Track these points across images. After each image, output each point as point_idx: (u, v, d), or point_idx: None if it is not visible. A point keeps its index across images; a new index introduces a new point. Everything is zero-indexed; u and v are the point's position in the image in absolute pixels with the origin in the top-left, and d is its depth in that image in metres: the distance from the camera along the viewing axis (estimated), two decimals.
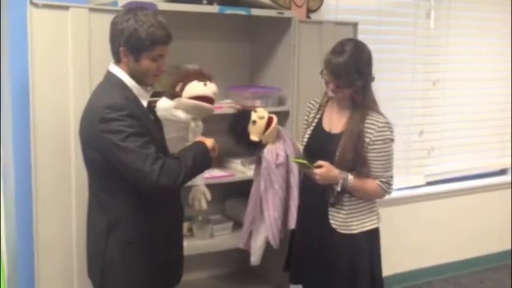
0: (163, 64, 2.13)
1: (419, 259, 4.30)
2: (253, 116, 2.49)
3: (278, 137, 2.56)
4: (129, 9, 2.10)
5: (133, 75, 2.11)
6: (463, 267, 4.51)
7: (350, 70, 2.42)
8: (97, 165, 2.10)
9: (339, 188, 2.46)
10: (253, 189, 2.65)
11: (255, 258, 2.66)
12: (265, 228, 2.59)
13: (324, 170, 2.46)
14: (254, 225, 2.65)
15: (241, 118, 2.54)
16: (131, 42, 2.03)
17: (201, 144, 2.21)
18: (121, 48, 2.05)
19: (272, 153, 2.53)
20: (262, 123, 2.49)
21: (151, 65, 2.09)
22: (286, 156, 2.54)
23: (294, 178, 2.57)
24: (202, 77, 2.45)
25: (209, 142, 2.23)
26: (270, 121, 2.52)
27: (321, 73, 2.51)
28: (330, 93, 2.51)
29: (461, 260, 4.50)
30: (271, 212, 2.54)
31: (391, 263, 3.89)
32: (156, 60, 2.09)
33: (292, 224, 2.57)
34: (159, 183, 1.97)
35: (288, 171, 2.56)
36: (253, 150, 2.58)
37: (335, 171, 2.45)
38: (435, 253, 4.37)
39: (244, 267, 3.37)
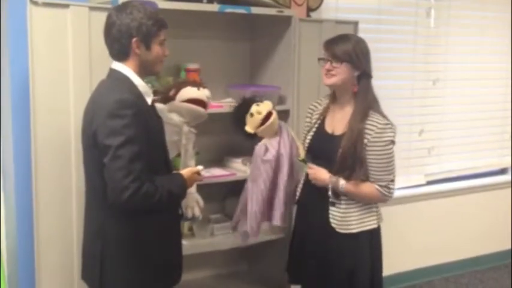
0: (166, 49, 2.20)
1: (419, 258, 4.30)
2: (252, 109, 2.54)
3: (276, 134, 2.57)
4: (123, 4, 2.14)
5: (144, 66, 2.14)
6: (464, 266, 4.50)
7: (347, 46, 2.42)
8: (96, 163, 2.09)
9: (329, 192, 2.45)
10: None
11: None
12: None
13: (312, 170, 2.47)
14: (241, 214, 2.71)
15: (243, 107, 2.58)
16: (142, 30, 2.08)
17: (180, 176, 2.24)
18: (134, 40, 2.07)
19: (261, 147, 2.55)
20: (258, 118, 2.53)
21: (160, 51, 2.16)
22: (278, 155, 2.55)
23: (283, 179, 2.58)
24: (195, 84, 2.56)
25: (186, 172, 2.27)
26: (268, 117, 2.54)
27: (319, 59, 2.51)
28: (325, 78, 2.48)
29: (461, 259, 4.50)
30: (254, 205, 2.59)
31: (392, 263, 3.87)
32: (162, 44, 2.16)
33: (275, 220, 2.60)
34: (128, 202, 1.96)
35: (275, 170, 2.57)
36: (249, 141, 2.61)
37: (324, 174, 2.45)
38: (436, 252, 4.36)
39: (244, 267, 3.38)
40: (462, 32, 4.31)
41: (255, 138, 2.58)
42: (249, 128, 2.55)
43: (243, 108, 2.59)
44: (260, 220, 2.61)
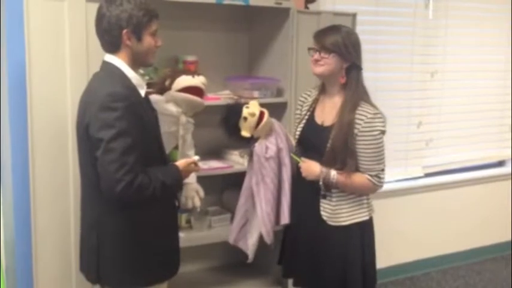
0: (158, 39, 2.18)
1: (417, 250, 4.30)
2: (245, 112, 2.48)
3: (271, 130, 2.55)
4: None
5: (136, 58, 2.13)
6: (461, 258, 4.52)
7: (336, 38, 2.41)
8: (90, 155, 2.08)
9: (320, 183, 2.43)
10: (245, 183, 2.65)
11: (251, 255, 2.66)
12: (258, 223, 2.59)
13: (305, 164, 2.46)
14: (248, 222, 2.65)
15: (232, 113, 2.53)
16: (133, 22, 2.07)
17: (174, 168, 2.22)
18: (124, 31, 2.07)
19: (262, 146, 2.52)
20: (253, 120, 2.48)
21: (152, 42, 2.15)
22: (278, 150, 2.53)
23: (287, 172, 2.55)
24: (189, 72, 2.55)
25: (181, 163, 2.25)
26: (261, 116, 2.51)
27: (309, 49, 2.50)
28: (313, 67, 2.47)
29: (459, 251, 4.51)
30: (264, 206, 2.54)
31: (389, 255, 3.90)
32: (154, 35, 2.15)
33: (284, 219, 2.56)
34: (121, 194, 1.96)
35: (280, 165, 2.55)
36: (245, 143, 2.58)
37: (316, 167, 2.44)
38: (433, 244, 4.37)
39: (242, 259, 3.37)
40: (461, 24, 4.30)
41: (250, 140, 2.55)
42: (245, 133, 2.50)
43: (232, 117, 2.54)
44: (273, 221, 2.58)
